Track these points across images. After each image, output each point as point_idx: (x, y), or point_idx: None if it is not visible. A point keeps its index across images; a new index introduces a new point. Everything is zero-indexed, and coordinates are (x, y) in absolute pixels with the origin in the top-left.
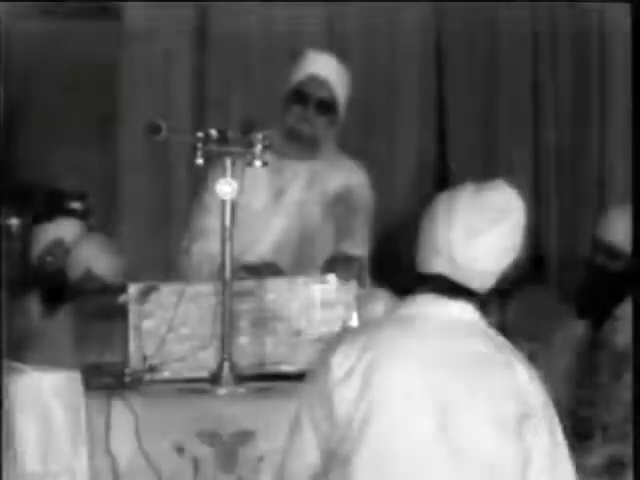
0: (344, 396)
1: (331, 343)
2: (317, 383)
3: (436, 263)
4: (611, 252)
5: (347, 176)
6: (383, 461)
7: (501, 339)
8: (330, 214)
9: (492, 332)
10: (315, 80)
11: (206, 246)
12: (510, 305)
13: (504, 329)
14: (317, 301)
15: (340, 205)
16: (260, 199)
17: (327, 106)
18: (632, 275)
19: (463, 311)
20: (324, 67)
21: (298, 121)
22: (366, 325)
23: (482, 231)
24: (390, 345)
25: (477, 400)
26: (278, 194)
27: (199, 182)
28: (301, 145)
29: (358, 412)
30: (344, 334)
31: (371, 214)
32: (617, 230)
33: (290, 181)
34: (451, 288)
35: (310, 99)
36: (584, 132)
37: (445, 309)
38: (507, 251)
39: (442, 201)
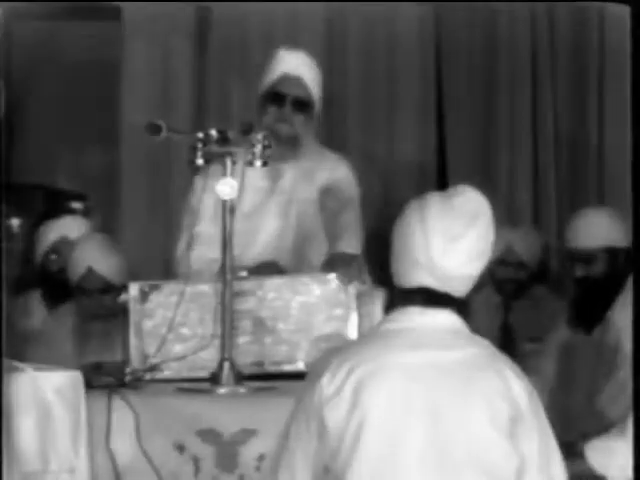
0: (335, 413)
1: (319, 363)
2: (306, 402)
3: (416, 275)
4: (587, 258)
5: (332, 170)
6: (378, 474)
7: (487, 343)
8: (321, 209)
9: (477, 337)
10: (288, 79)
11: (204, 252)
12: (514, 305)
13: (508, 329)
14: (317, 301)
15: (330, 199)
16: (248, 202)
17: (303, 103)
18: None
19: (446, 319)
20: (296, 65)
21: (276, 121)
22: (353, 343)
23: (458, 237)
24: (377, 361)
25: (470, 405)
26: (267, 196)
27: (187, 190)
28: (282, 146)
29: (350, 428)
30: (332, 353)
31: (359, 206)
32: (587, 234)
33: (277, 182)
34: (433, 298)
35: (286, 98)
36: (584, 132)
37: (429, 319)
38: (483, 253)
39: (413, 213)
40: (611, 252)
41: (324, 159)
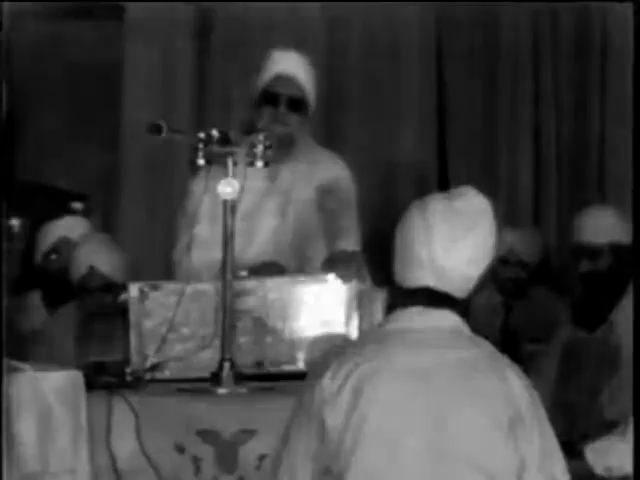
0: (335, 413)
1: (320, 363)
2: (307, 403)
3: (419, 276)
4: (593, 253)
5: (329, 169)
6: (377, 475)
7: (487, 344)
8: (320, 209)
9: (478, 338)
10: (282, 79)
11: (202, 254)
12: (515, 306)
13: (509, 330)
14: (317, 300)
15: (329, 199)
16: (246, 202)
17: (298, 103)
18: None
19: (447, 320)
20: (289, 65)
21: (271, 122)
22: (353, 343)
23: (461, 237)
24: (378, 361)
25: (470, 406)
26: (264, 196)
27: (183, 193)
28: (278, 146)
29: (349, 428)
30: (333, 353)
31: (356, 203)
32: (593, 229)
33: (274, 182)
34: (435, 298)
35: (280, 98)
36: (585, 132)
37: (430, 320)
38: (485, 254)
39: (415, 214)
40: (616, 248)
41: (320, 158)
